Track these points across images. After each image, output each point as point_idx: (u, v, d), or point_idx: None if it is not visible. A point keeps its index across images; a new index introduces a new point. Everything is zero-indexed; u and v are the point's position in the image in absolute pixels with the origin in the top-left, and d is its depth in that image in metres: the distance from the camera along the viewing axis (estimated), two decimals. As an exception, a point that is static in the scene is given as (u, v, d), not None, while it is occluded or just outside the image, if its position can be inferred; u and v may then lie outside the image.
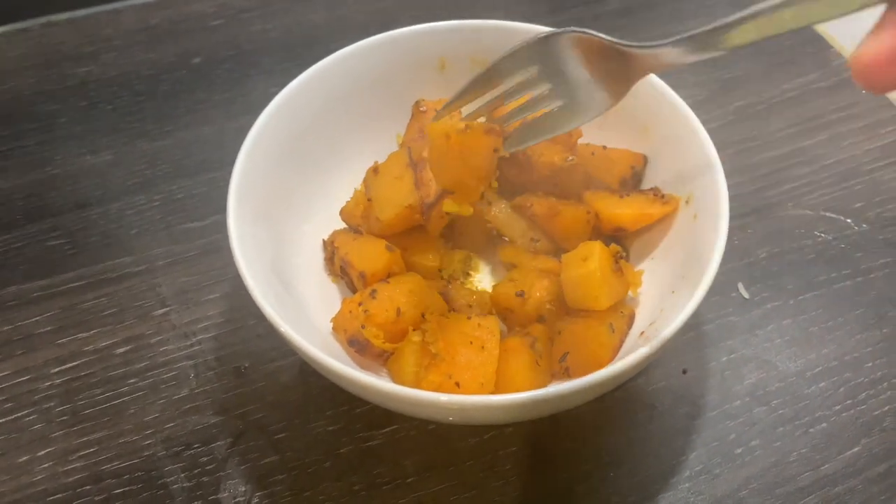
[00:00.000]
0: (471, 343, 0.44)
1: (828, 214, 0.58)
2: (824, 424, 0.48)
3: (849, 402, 0.49)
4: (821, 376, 0.50)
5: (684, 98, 0.49)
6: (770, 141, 0.63)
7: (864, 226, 0.57)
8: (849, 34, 0.70)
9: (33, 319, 0.54)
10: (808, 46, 0.70)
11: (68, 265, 0.57)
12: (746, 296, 0.54)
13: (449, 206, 0.48)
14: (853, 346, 0.51)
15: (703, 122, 0.48)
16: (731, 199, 0.44)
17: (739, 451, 0.47)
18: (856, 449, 0.47)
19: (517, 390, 0.43)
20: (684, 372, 0.50)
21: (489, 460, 0.47)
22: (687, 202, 0.48)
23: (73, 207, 0.60)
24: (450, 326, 0.45)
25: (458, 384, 0.43)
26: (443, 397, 0.39)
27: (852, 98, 0.66)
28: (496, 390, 0.43)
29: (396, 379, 0.45)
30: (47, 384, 0.51)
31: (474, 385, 0.43)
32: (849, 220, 0.58)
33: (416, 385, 0.44)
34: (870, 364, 0.50)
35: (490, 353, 0.43)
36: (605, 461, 0.47)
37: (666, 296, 0.45)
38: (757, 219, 0.57)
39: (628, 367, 0.39)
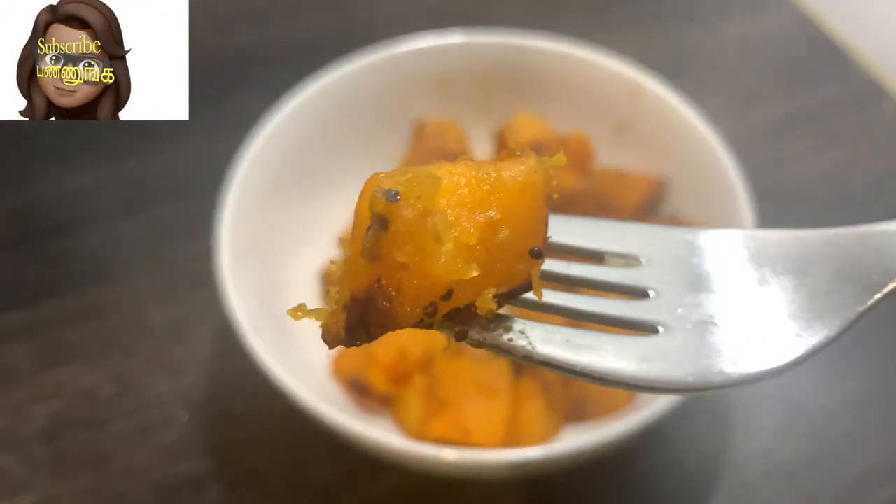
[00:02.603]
0: (480, 389, 0.41)
1: (853, 239, 0.55)
2: (853, 465, 0.45)
3: (879, 439, 0.46)
4: (849, 413, 0.47)
5: (700, 114, 0.47)
6: (789, 159, 0.60)
7: (891, 249, 0.55)
8: (871, 46, 0.67)
9: (14, 354, 0.51)
10: (828, 59, 0.67)
11: (51, 295, 0.53)
12: (769, 327, 0.51)
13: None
14: (882, 381, 0.49)
15: (721, 140, 0.45)
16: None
17: (764, 495, 0.44)
18: (887, 492, 0.44)
19: (530, 438, 0.41)
20: (706, 409, 0.47)
21: (500, 511, 0.44)
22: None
23: (55, 233, 0.57)
24: (457, 370, 0.42)
25: (466, 433, 0.40)
26: (449, 454, 0.36)
27: (874, 113, 0.63)
28: (508, 438, 0.41)
29: (400, 426, 0.43)
30: (29, 425, 0.48)
31: (484, 434, 0.40)
32: (874, 244, 0.55)
33: (422, 433, 0.41)
34: (900, 400, 0.48)
35: (501, 400, 0.41)
36: (622, 509, 0.44)
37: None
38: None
39: (654, 417, 0.37)
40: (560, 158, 0.21)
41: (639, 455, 0.46)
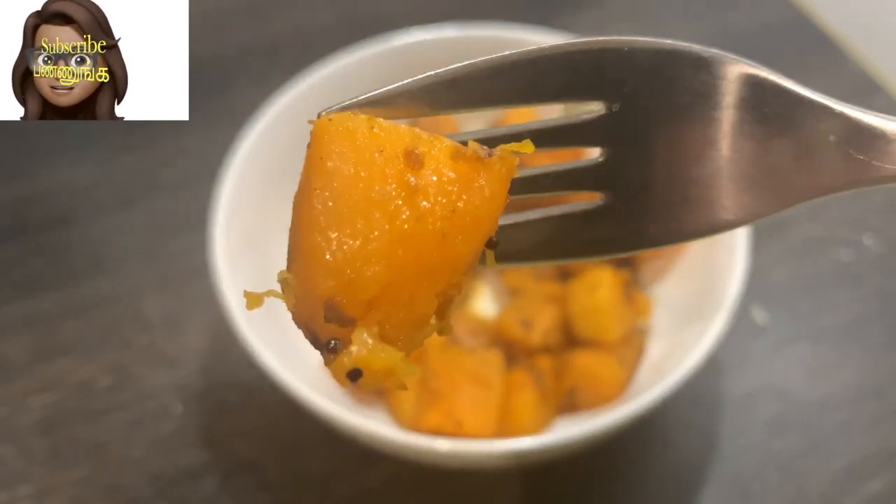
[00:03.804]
0: (473, 380, 0.41)
1: (845, 232, 0.55)
2: (845, 457, 0.46)
3: (871, 433, 0.47)
4: (841, 406, 0.48)
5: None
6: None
7: (883, 244, 0.55)
8: (864, 40, 0.67)
9: (10, 346, 0.51)
10: (820, 53, 0.67)
11: (47, 288, 0.54)
12: (761, 321, 0.51)
13: (363, 354, 0.20)
14: (874, 374, 0.49)
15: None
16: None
17: (756, 487, 0.45)
18: (878, 484, 0.45)
19: (522, 429, 0.41)
20: (698, 401, 0.48)
21: (498, 501, 0.44)
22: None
23: (52, 226, 0.57)
24: (451, 362, 0.42)
25: (459, 424, 0.40)
26: (442, 445, 0.37)
27: (867, 107, 0.63)
28: (500, 429, 0.41)
29: (394, 417, 0.43)
30: (26, 416, 0.48)
31: (477, 425, 0.40)
32: (867, 238, 0.55)
33: (415, 424, 0.41)
34: (892, 392, 0.48)
35: (493, 391, 0.41)
36: (618, 501, 0.44)
37: (681, 327, 0.43)
38: (771, 237, 0.55)
39: (645, 408, 0.37)
40: (527, 145, 0.20)
41: (631, 446, 0.46)
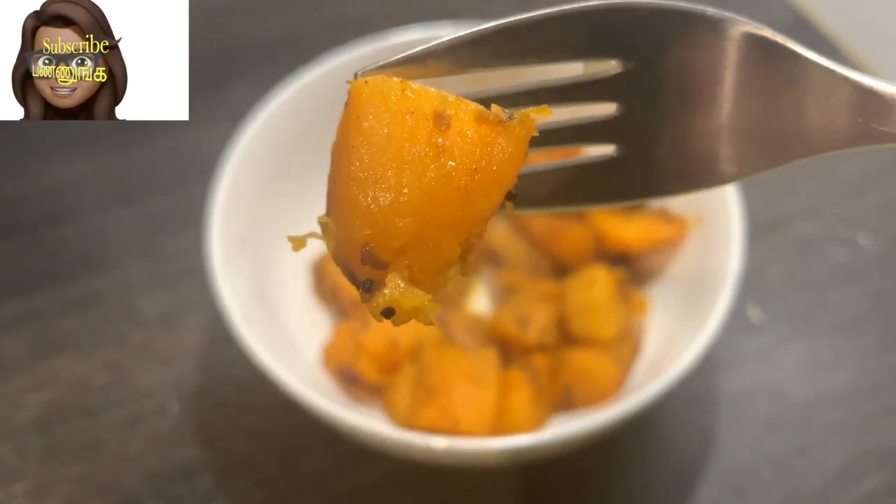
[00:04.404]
0: (469, 377, 0.41)
1: (841, 231, 0.55)
2: (839, 456, 0.46)
3: (865, 432, 0.47)
4: (835, 405, 0.48)
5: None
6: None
7: (879, 243, 0.55)
8: (864, 43, 0.67)
9: (7, 344, 0.51)
10: (815, 51, 0.67)
11: (43, 285, 0.54)
12: (756, 319, 0.51)
13: (396, 295, 0.21)
14: (869, 373, 0.49)
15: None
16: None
17: (751, 485, 0.45)
18: (872, 482, 0.45)
19: (518, 426, 0.41)
20: (694, 399, 0.48)
21: (494, 500, 0.44)
22: (697, 224, 0.45)
23: (48, 223, 0.57)
24: (446, 359, 0.42)
25: (455, 421, 0.40)
26: (438, 442, 0.37)
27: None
28: (496, 426, 0.41)
29: (390, 415, 0.43)
30: (22, 414, 0.48)
31: (472, 422, 0.40)
32: (863, 237, 0.55)
33: (411, 422, 0.41)
34: (886, 391, 0.48)
35: (489, 389, 0.41)
36: (614, 498, 0.44)
37: (676, 325, 0.43)
38: (767, 235, 0.55)
39: (640, 406, 0.37)
40: (545, 109, 0.22)
41: (627, 444, 0.46)
